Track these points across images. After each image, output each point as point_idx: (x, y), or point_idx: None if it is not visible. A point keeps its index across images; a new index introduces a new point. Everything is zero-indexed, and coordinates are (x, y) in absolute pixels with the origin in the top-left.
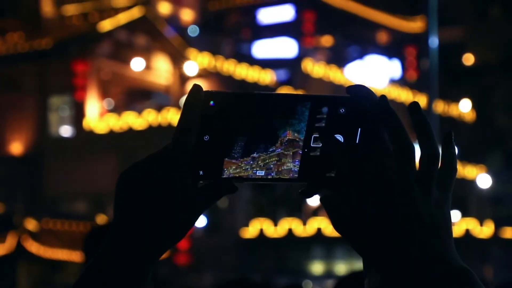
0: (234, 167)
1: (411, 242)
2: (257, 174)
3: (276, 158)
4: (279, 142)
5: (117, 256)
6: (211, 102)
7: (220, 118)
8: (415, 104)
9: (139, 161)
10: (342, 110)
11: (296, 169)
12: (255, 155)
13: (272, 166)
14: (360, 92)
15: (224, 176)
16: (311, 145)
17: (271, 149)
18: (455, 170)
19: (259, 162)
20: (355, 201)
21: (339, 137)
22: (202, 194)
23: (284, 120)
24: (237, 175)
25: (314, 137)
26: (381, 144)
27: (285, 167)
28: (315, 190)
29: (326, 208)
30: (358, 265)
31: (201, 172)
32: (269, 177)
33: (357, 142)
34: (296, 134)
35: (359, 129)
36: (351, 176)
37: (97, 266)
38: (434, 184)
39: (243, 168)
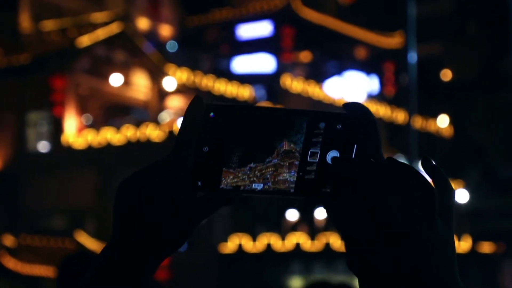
0: (231, 177)
1: (414, 268)
2: (254, 186)
3: (272, 169)
4: (275, 153)
5: (117, 264)
6: (211, 114)
7: (219, 130)
8: (426, 158)
9: (138, 170)
10: (339, 126)
11: (292, 179)
12: (252, 165)
13: (268, 176)
14: (356, 109)
15: (222, 187)
16: (308, 159)
17: (267, 160)
18: (453, 190)
19: (256, 172)
20: (355, 217)
21: (336, 153)
22: (200, 204)
23: (281, 132)
24: (234, 185)
25: (311, 151)
26: (376, 160)
27: (281, 177)
28: (311, 205)
29: (332, 219)
30: (335, 279)
31: (199, 183)
32: (265, 187)
33: (352, 158)
34: (292, 145)
35: (355, 145)
36: (346, 192)
37: (98, 275)
38: (436, 212)
39: (241, 178)
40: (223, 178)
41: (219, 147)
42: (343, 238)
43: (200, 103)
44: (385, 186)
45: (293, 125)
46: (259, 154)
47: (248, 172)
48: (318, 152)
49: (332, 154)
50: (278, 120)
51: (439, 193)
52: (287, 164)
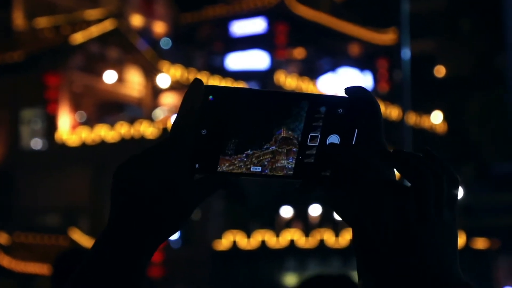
0: (227, 164)
1: (414, 255)
2: (252, 170)
3: (270, 155)
4: (273, 139)
5: (116, 248)
6: (210, 97)
7: (218, 113)
8: (429, 151)
9: (136, 153)
10: (340, 111)
11: (290, 166)
12: (249, 152)
13: (266, 163)
14: (358, 93)
15: (220, 170)
16: (308, 143)
17: (265, 147)
18: (458, 181)
19: (253, 159)
20: (354, 202)
21: (336, 137)
22: (198, 187)
23: (280, 117)
24: (230, 171)
25: (311, 135)
26: (377, 145)
27: (279, 164)
28: (310, 188)
29: (332, 203)
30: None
31: (197, 165)
32: (263, 173)
33: (353, 143)
34: (290, 132)
35: (356, 130)
36: (346, 176)
37: (96, 259)
38: (445, 204)
39: (237, 166)
40: (219, 166)
41: (217, 130)
42: (344, 220)
43: (199, 86)
44: (378, 185)
45: (293, 109)
46: (257, 140)
47: (245, 159)
48: (318, 136)
49: (333, 138)
50: (278, 103)
51: (446, 184)
52: (285, 151)
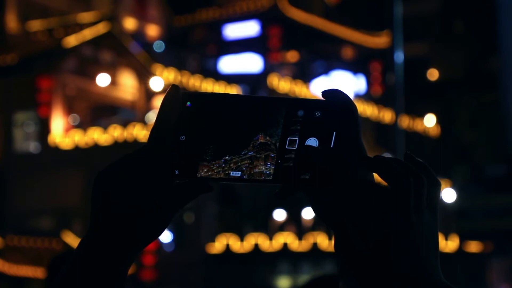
0: (205, 170)
1: (394, 256)
2: (232, 174)
3: (248, 161)
4: (251, 145)
5: (96, 254)
6: (188, 103)
7: (196, 119)
8: (409, 155)
9: (116, 160)
10: (317, 114)
11: (268, 171)
12: (227, 158)
13: (244, 168)
14: (335, 96)
15: (199, 175)
16: (286, 147)
17: (243, 152)
18: (439, 183)
19: (231, 165)
20: (337, 203)
21: (314, 140)
22: (177, 193)
23: (257, 123)
24: (210, 177)
25: (289, 139)
26: (356, 148)
27: (257, 169)
28: (289, 192)
29: (313, 206)
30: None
31: (176, 172)
32: (242, 178)
33: (332, 145)
34: (268, 138)
35: (334, 132)
36: (325, 178)
37: (76, 266)
38: (426, 206)
39: (215, 171)
40: (199, 171)
41: (196, 136)
42: (325, 222)
43: (177, 92)
44: (357, 190)
45: (270, 114)
46: (236, 146)
47: (224, 164)
48: (296, 140)
49: (311, 141)
50: (256, 108)
51: (426, 185)
52: (263, 156)
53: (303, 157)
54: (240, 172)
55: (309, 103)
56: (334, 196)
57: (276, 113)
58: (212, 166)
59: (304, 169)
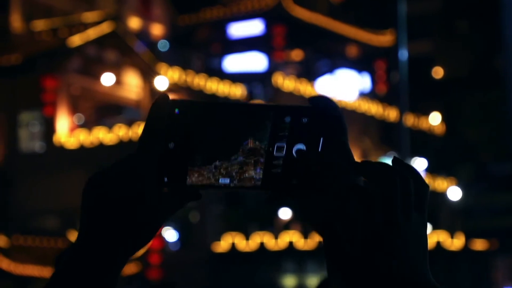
0: (196, 175)
1: (383, 257)
2: (221, 182)
3: (238, 166)
4: (241, 150)
5: (86, 259)
6: (176, 110)
7: (184, 126)
8: (397, 158)
9: (105, 167)
10: (304, 120)
11: (258, 177)
12: (217, 163)
13: (234, 174)
14: (322, 102)
15: (189, 183)
16: (274, 154)
17: (233, 158)
18: (427, 185)
19: (221, 170)
20: (325, 207)
21: (302, 146)
22: (167, 200)
23: (246, 129)
24: (199, 183)
25: (277, 146)
26: (343, 152)
27: (246, 175)
28: (278, 198)
29: (301, 212)
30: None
31: (166, 179)
32: (231, 185)
33: (319, 150)
34: (257, 143)
35: (321, 138)
36: (313, 184)
37: (66, 270)
38: (413, 207)
39: (206, 177)
40: (188, 177)
41: (185, 143)
42: (312, 227)
43: (165, 100)
44: (346, 192)
45: (258, 120)
46: (225, 152)
47: (214, 170)
48: (284, 146)
49: (299, 147)
50: (243, 115)
51: (413, 188)
52: (253, 161)
53: (291, 162)
54: (230, 178)
55: (296, 110)
56: (323, 200)
57: (264, 119)
58: (202, 172)
59: (292, 175)
